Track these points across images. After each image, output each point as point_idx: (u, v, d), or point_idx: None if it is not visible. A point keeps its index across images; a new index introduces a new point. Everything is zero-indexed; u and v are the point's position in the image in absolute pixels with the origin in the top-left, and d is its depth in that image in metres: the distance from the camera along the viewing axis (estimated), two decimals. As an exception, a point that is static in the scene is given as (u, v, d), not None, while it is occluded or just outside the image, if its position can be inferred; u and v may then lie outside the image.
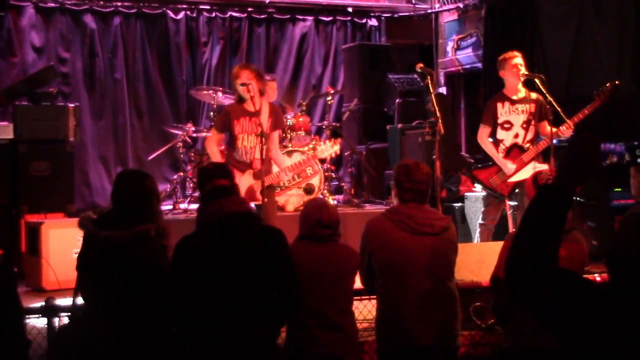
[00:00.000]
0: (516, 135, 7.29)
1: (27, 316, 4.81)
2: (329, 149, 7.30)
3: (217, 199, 4.02)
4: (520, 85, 7.33)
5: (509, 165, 7.21)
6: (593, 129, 7.60)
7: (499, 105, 7.34)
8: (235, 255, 3.88)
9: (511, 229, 7.30)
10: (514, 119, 7.29)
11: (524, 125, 7.29)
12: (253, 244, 3.95)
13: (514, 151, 7.25)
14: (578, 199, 7.97)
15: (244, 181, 6.69)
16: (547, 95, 6.98)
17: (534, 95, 7.37)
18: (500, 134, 7.33)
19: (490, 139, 7.36)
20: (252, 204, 6.67)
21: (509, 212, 7.45)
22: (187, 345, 3.99)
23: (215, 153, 6.95)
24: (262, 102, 6.88)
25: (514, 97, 7.32)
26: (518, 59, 7.27)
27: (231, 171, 4.34)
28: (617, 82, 7.06)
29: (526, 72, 7.30)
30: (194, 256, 3.92)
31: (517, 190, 7.27)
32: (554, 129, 7.02)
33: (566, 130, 7.00)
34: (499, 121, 7.32)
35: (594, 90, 7.09)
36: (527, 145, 7.28)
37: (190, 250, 3.94)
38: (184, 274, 3.90)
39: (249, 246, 3.93)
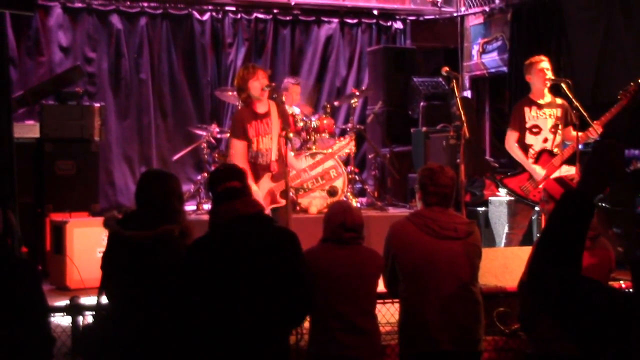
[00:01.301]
0: (545, 140, 7.24)
1: (52, 314, 4.84)
2: (345, 146, 7.30)
3: (229, 200, 4.02)
4: (546, 90, 7.28)
5: (538, 171, 7.15)
6: (617, 134, 7.56)
7: (527, 109, 7.28)
8: (248, 256, 3.88)
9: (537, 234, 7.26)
10: (542, 123, 7.24)
11: (552, 130, 7.25)
12: (266, 245, 3.94)
13: (544, 156, 7.19)
14: (604, 205, 7.92)
15: (264, 184, 6.68)
16: (573, 100, 6.93)
17: (559, 100, 7.34)
18: (529, 138, 7.26)
19: (516, 144, 7.31)
20: (273, 207, 6.68)
21: (544, 220, 7.38)
22: (199, 345, 4.00)
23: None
24: (270, 104, 6.86)
25: (541, 102, 7.28)
26: (545, 63, 7.22)
27: (243, 173, 4.30)
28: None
29: (552, 77, 7.25)
30: (207, 257, 3.91)
31: None
32: (582, 133, 6.97)
33: (595, 132, 6.94)
34: (527, 126, 7.26)
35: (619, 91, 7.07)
36: (556, 149, 7.23)
37: (204, 252, 3.94)
38: (197, 276, 3.90)
39: (261, 247, 3.92)
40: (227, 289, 3.85)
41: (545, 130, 7.24)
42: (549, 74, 7.19)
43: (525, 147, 7.26)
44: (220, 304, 3.85)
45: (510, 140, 7.32)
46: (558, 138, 7.26)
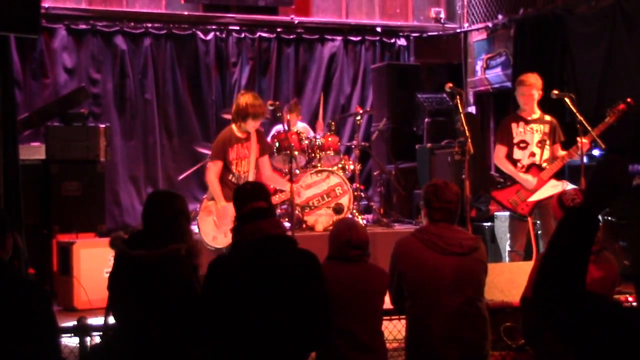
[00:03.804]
0: (532, 154, 7.31)
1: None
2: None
3: (255, 220, 4.04)
4: (535, 107, 7.34)
5: (530, 180, 7.18)
6: (622, 149, 7.57)
7: (514, 125, 7.39)
8: (269, 277, 3.89)
9: (535, 248, 7.26)
10: (529, 137, 7.33)
11: (539, 145, 7.30)
12: (288, 267, 3.96)
13: (532, 170, 7.25)
14: (610, 218, 7.91)
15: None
16: (577, 114, 6.95)
17: (547, 117, 7.39)
18: (517, 153, 7.35)
19: (505, 158, 7.36)
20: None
21: (532, 232, 7.39)
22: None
23: (216, 189, 7.05)
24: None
25: (528, 117, 7.34)
26: (529, 89, 7.30)
27: (269, 192, 4.35)
28: (628, 100, 7.04)
29: (556, 92, 7.29)
30: (227, 276, 3.93)
31: (536, 210, 7.24)
32: (569, 150, 7.03)
33: (583, 147, 6.96)
34: (515, 141, 7.35)
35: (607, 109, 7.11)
36: (545, 164, 7.27)
37: (224, 270, 3.96)
38: (216, 293, 3.91)
39: (284, 269, 3.94)
40: (248, 309, 3.86)
41: (532, 145, 7.31)
42: (523, 101, 7.27)
43: (513, 162, 7.35)
44: (240, 324, 3.86)
45: (500, 154, 7.42)
46: (546, 153, 7.31)
